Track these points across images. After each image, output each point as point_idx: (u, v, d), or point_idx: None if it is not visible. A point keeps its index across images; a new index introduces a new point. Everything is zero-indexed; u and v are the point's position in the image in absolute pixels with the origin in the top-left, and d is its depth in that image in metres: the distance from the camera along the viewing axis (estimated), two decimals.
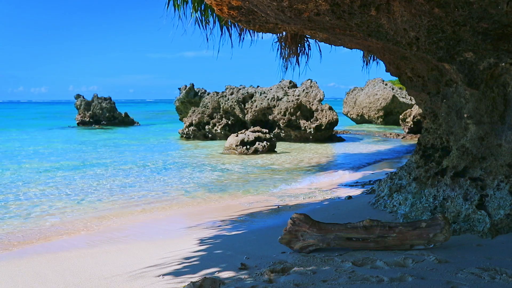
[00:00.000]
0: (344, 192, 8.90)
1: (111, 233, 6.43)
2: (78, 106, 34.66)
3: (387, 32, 4.62)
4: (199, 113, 22.96)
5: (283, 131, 21.32)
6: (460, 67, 4.86)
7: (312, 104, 21.31)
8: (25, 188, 9.86)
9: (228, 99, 22.56)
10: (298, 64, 8.51)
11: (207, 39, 7.81)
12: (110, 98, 35.39)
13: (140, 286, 3.98)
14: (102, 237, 6.22)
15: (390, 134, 24.72)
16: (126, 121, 35.84)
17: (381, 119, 32.55)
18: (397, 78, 7.08)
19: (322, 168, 13.15)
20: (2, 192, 9.39)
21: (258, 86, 23.23)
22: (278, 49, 8.49)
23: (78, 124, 34.03)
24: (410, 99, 29.61)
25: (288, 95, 21.66)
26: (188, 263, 4.64)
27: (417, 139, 7.26)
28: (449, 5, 3.96)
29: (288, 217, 4.84)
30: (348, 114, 35.73)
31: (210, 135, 22.68)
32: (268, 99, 21.79)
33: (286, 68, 8.50)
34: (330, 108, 21.32)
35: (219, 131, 22.27)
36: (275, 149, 17.23)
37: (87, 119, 34.02)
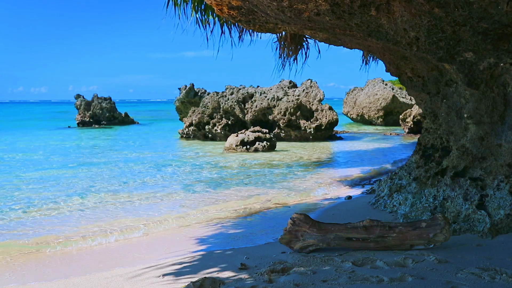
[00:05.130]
0: (344, 192, 8.90)
1: (110, 232, 6.42)
2: (78, 106, 34.63)
3: (387, 32, 4.62)
4: (199, 113, 22.94)
5: (283, 131, 21.32)
6: (460, 67, 4.86)
7: (312, 104, 21.30)
8: (25, 187, 9.86)
9: (228, 99, 22.55)
10: (297, 63, 8.52)
11: (207, 39, 7.82)
12: (110, 98, 35.36)
13: (140, 286, 3.98)
14: (101, 236, 6.22)
15: (390, 133, 24.72)
16: (126, 121, 35.82)
17: (381, 119, 32.53)
18: (397, 78, 7.08)
19: (322, 166, 13.15)
20: (2, 192, 9.39)
21: (258, 86, 23.21)
22: (277, 49, 8.50)
23: (78, 124, 33.99)
24: (410, 99, 29.59)
25: (288, 95, 21.65)
26: (188, 263, 4.64)
27: (417, 139, 7.26)
28: (449, 5, 3.96)
29: (288, 216, 4.85)
30: (348, 114, 35.71)
31: (210, 135, 22.66)
32: (268, 99, 21.78)
33: (284, 67, 8.50)
34: (330, 108, 21.30)
35: (219, 131, 22.26)
36: (275, 149, 17.23)
37: (87, 119, 33.99)
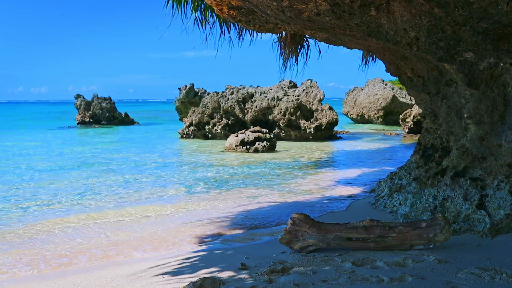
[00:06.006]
0: (344, 191, 8.90)
1: (110, 231, 6.43)
2: (78, 106, 34.64)
3: (387, 32, 4.62)
4: (199, 113, 22.95)
5: (283, 131, 21.32)
6: (460, 67, 4.86)
7: (312, 104, 21.31)
8: (26, 187, 9.86)
9: (228, 99, 22.56)
10: (297, 63, 8.52)
11: (207, 39, 7.81)
12: (110, 98, 35.36)
13: (140, 286, 3.99)
14: (100, 235, 6.22)
15: (390, 133, 24.73)
16: (126, 121, 35.81)
17: (381, 119, 32.55)
18: (397, 78, 7.08)
19: (322, 165, 13.16)
20: (3, 191, 9.39)
21: (258, 86, 23.22)
22: (278, 49, 8.50)
23: (78, 124, 34.02)
24: (410, 99, 29.61)
25: (288, 95, 21.65)
26: (188, 263, 4.65)
27: (417, 139, 7.26)
28: (449, 5, 3.96)
29: (288, 216, 4.85)
30: (348, 114, 35.74)
31: (210, 135, 22.67)
32: (268, 99, 21.79)
33: (286, 68, 8.50)
34: (330, 108, 21.31)
35: (219, 131, 22.27)
36: (275, 149, 17.24)
37: (87, 119, 34.00)
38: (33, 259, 5.30)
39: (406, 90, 9.53)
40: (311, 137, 20.90)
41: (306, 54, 8.51)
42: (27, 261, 5.25)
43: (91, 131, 29.56)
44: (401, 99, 31.74)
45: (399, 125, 26.45)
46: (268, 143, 17.06)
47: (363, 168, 12.51)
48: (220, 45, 7.84)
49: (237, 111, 22.15)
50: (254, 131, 17.38)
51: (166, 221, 7.03)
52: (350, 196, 8.36)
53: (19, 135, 26.30)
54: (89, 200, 8.64)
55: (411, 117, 23.57)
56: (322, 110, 21.22)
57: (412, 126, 23.31)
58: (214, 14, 7.67)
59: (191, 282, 3.56)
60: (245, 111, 22.18)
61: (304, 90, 21.75)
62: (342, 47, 7.11)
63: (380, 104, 32.37)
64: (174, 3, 7.30)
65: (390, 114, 32.05)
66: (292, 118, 21.16)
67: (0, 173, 12.07)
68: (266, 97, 21.97)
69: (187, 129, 23.15)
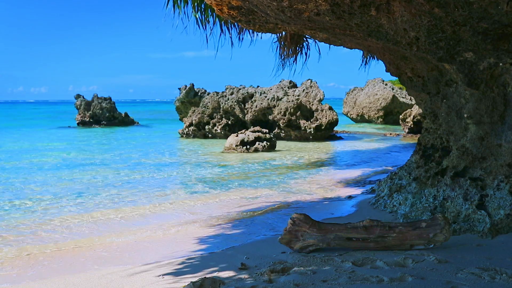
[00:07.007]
0: (344, 192, 8.90)
1: (108, 231, 6.43)
2: (78, 106, 34.60)
3: (387, 32, 4.62)
4: (199, 113, 22.95)
5: (283, 131, 21.32)
6: (460, 67, 4.87)
7: (312, 104, 21.31)
8: (26, 186, 9.86)
9: (228, 99, 22.56)
10: (296, 63, 8.53)
11: (207, 40, 7.82)
12: (110, 98, 35.33)
13: (140, 286, 3.99)
14: (100, 235, 6.22)
15: (390, 134, 24.72)
16: (126, 121, 35.77)
17: (381, 119, 32.55)
18: (397, 78, 7.08)
19: (322, 166, 13.15)
20: (4, 191, 9.39)
21: (258, 86, 23.22)
22: (277, 49, 8.51)
23: (78, 124, 33.99)
24: (410, 99, 29.60)
25: (288, 95, 21.65)
26: (188, 263, 4.65)
27: (417, 139, 7.26)
28: (449, 5, 3.96)
29: (288, 216, 4.85)
30: (348, 114, 35.74)
31: (210, 135, 22.68)
32: (268, 99, 21.79)
33: (283, 67, 8.51)
34: (330, 108, 21.31)
35: (219, 131, 22.27)
36: (275, 149, 17.25)
37: (87, 119, 33.97)
38: (33, 259, 5.30)
39: (406, 90, 9.54)
40: (311, 137, 20.90)
41: (306, 54, 8.52)
42: (27, 261, 5.25)
43: (91, 131, 29.56)
44: (401, 99, 31.74)
45: (399, 125, 26.44)
46: (268, 143, 17.06)
47: (363, 168, 12.50)
48: (220, 45, 7.85)
49: (237, 111, 22.15)
50: (254, 131, 17.38)
51: (165, 221, 7.02)
52: (350, 197, 8.35)
53: (19, 135, 26.29)
54: (88, 199, 8.64)
55: (411, 117, 23.57)
56: (322, 110, 21.22)
57: (412, 126, 23.30)
58: (214, 14, 7.68)
59: (191, 282, 3.57)
60: (245, 111, 22.18)
61: (304, 90, 21.75)
62: (342, 47, 7.11)
63: (380, 104, 32.37)
64: (175, 4, 7.31)
65: (390, 114, 32.06)
66: (292, 118, 21.16)
67: None
68: (266, 97, 21.97)
69: (187, 129, 23.15)
